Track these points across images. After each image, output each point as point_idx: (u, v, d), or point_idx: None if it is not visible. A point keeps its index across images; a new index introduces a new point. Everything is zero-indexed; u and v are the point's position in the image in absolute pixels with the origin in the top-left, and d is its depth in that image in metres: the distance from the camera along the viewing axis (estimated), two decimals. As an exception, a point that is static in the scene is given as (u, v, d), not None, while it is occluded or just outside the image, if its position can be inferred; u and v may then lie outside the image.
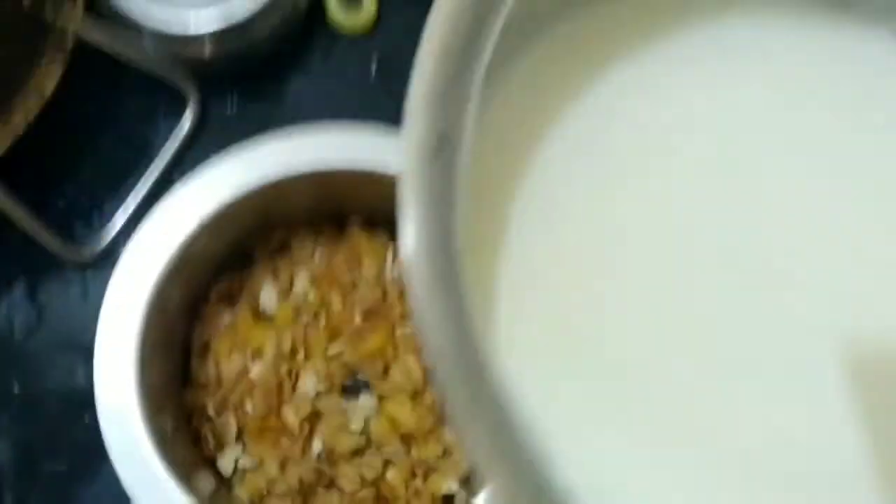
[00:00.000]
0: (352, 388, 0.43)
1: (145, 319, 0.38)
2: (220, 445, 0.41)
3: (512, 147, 0.28)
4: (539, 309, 0.27)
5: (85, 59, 0.45)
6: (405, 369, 0.42)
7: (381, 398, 0.42)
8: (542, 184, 0.27)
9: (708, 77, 0.29)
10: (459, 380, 0.21)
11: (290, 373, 0.42)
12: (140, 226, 0.39)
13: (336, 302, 0.43)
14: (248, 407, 0.41)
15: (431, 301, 0.21)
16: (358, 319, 0.42)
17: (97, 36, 0.45)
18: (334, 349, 0.42)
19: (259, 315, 0.43)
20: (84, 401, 0.45)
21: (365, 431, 0.42)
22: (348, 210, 0.45)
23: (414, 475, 0.42)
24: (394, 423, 0.41)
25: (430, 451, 0.42)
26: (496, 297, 0.26)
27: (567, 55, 0.29)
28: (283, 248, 0.44)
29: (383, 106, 0.50)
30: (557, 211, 0.28)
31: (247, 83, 0.50)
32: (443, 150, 0.22)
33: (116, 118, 0.49)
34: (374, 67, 0.51)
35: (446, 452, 0.42)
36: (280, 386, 0.41)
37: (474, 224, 0.25)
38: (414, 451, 0.42)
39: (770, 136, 0.29)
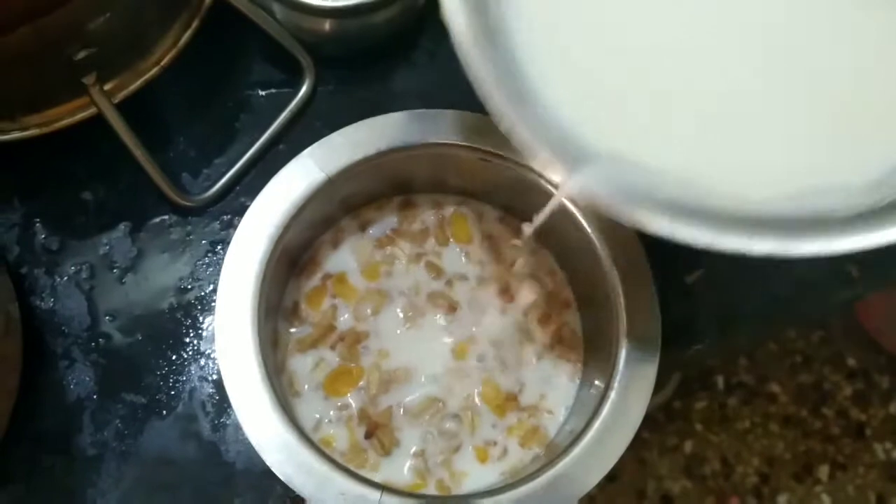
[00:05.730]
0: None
1: (268, 263, 0.40)
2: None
3: None
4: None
5: (218, 20, 0.48)
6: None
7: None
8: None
9: None
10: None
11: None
12: (268, 183, 0.42)
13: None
14: (333, 354, 0.43)
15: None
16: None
17: (233, -3, 0.48)
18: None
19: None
20: (172, 341, 0.47)
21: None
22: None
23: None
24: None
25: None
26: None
27: None
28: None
29: (480, 106, 0.53)
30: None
31: (357, 67, 0.53)
32: None
33: (237, 80, 0.51)
34: (474, 69, 0.54)
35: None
36: (362, 336, 0.44)
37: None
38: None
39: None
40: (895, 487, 1.34)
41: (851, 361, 1.40)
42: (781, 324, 0.54)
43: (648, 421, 1.33)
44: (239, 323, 0.39)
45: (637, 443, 1.32)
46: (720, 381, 1.36)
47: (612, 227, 0.42)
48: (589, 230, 0.42)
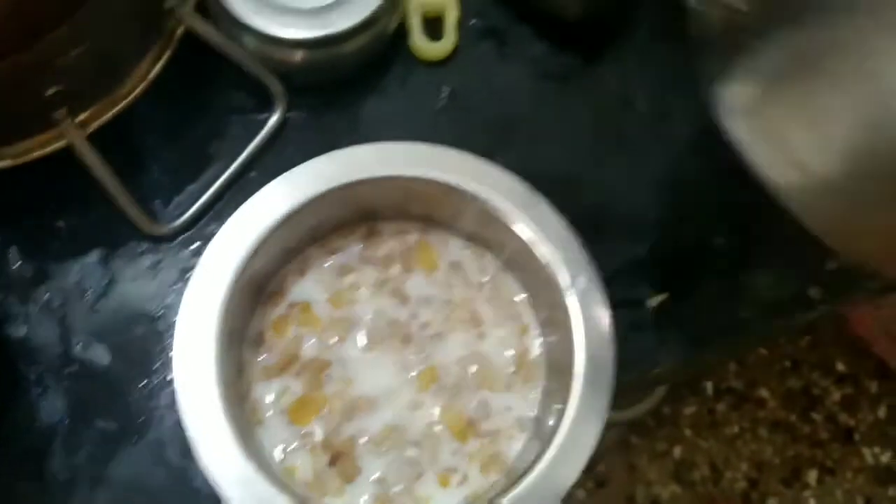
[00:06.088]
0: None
1: (232, 292, 0.41)
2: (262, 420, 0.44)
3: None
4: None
5: (189, 50, 0.49)
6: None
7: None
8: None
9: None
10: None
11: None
12: (234, 213, 0.43)
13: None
14: (298, 382, 0.44)
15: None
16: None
17: (205, 29, 0.49)
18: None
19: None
20: (142, 367, 0.48)
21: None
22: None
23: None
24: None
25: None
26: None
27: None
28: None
29: (448, 132, 0.54)
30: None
31: (328, 94, 0.53)
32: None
33: (209, 108, 0.52)
34: (444, 96, 0.55)
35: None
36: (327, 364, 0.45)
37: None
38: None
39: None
40: (883, 492, 1.35)
41: (840, 366, 1.40)
42: (745, 346, 0.54)
43: (637, 426, 1.34)
44: (200, 354, 0.40)
45: (626, 448, 1.33)
46: (709, 386, 1.37)
47: (569, 255, 0.43)
48: (543, 261, 0.43)
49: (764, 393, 1.38)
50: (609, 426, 0.39)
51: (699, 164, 0.54)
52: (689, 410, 1.36)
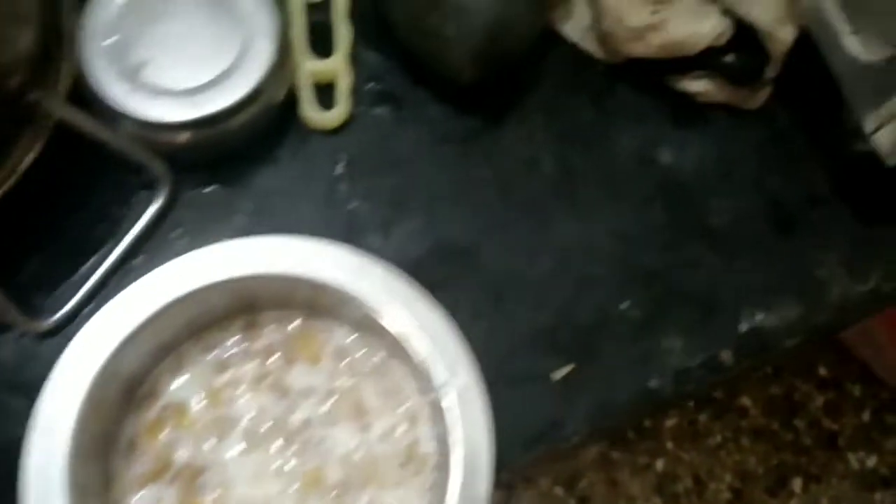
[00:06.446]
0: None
1: (93, 397, 0.39)
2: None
3: None
4: None
5: (63, 139, 0.47)
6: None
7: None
8: None
9: None
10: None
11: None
12: (102, 307, 0.42)
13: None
14: (172, 490, 0.43)
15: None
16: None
17: (77, 119, 0.47)
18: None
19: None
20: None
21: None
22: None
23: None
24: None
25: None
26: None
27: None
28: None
29: (345, 202, 0.52)
30: None
31: (217, 170, 0.52)
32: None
33: (89, 195, 0.50)
34: (340, 164, 0.53)
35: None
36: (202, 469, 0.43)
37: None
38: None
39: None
40: (870, 497, 1.34)
41: (822, 371, 1.39)
42: (657, 410, 0.53)
43: (618, 440, 1.32)
44: (51, 469, 0.38)
45: (607, 464, 1.31)
46: (690, 396, 1.35)
47: (446, 350, 0.41)
48: (416, 358, 0.41)
49: (746, 401, 1.37)
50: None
51: (604, 228, 0.53)
52: (670, 423, 1.35)
